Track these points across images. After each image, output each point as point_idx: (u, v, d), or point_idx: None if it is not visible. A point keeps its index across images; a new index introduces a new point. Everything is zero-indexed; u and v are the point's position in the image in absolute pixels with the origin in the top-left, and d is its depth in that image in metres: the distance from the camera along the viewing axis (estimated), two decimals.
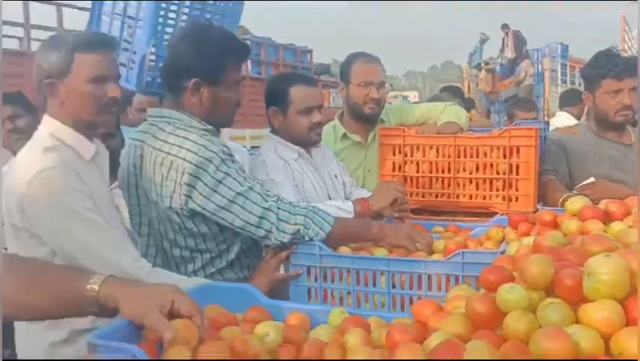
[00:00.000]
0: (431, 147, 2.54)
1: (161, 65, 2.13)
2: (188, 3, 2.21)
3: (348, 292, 1.73)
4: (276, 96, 2.23)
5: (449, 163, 2.52)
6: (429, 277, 1.66)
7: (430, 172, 2.55)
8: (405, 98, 24.28)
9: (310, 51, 11.09)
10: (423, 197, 2.56)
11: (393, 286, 1.70)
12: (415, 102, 11.12)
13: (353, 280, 1.72)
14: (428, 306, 1.17)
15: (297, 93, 2.19)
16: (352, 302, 1.71)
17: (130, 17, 2.17)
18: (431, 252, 1.85)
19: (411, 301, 1.66)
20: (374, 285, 1.71)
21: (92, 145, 1.68)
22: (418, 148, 2.55)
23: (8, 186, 1.60)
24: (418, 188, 2.56)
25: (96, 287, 1.14)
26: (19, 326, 1.69)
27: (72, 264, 1.51)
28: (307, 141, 2.25)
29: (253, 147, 4.35)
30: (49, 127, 1.64)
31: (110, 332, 1.11)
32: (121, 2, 2.17)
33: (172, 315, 1.12)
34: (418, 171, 2.56)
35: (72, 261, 1.53)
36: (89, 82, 1.60)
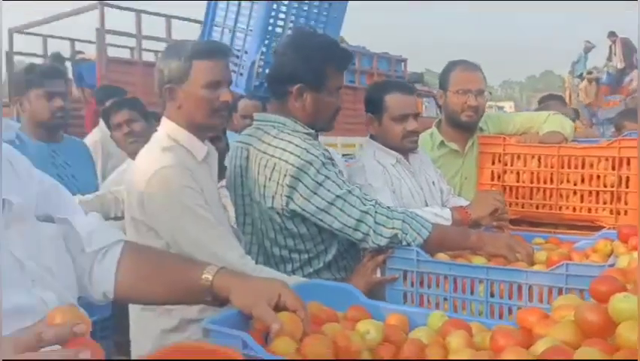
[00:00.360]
0: (533, 157, 2.48)
1: (268, 70, 2.24)
2: (294, 11, 2.31)
3: (445, 299, 1.73)
4: (372, 103, 2.27)
5: (552, 174, 2.44)
6: (530, 287, 1.62)
7: (531, 182, 2.48)
8: (500, 108, 23.58)
9: (404, 60, 11.08)
10: (522, 207, 2.50)
11: (492, 295, 1.67)
12: None
13: (450, 287, 1.71)
14: (533, 313, 1.15)
15: (392, 100, 2.22)
16: (449, 309, 1.70)
17: (240, 27, 2.31)
18: (532, 263, 1.80)
19: (510, 311, 1.63)
20: (472, 293, 1.69)
21: (203, 146, 1.78)
22: (518, 157, 2.50)
23: (130, 182, 1.74)
24: (517, 198, 2.51)
25: (210, 277, 1.22)
26: (134, 312, 1.82)
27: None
28: (402, 149, 2.26)
29: (344, 155, 4.44)
30: (166, 128, 1.77)
31: (220, 319, 1.18)
32: (233, 10, 2.31)
33: (278, 308, 1.17)
34: (518, 181, 2.51)
35: (184, 254, 1.63)
36: (204, 87, 1.70)
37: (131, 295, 1.32)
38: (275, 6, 2.28)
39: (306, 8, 2.39)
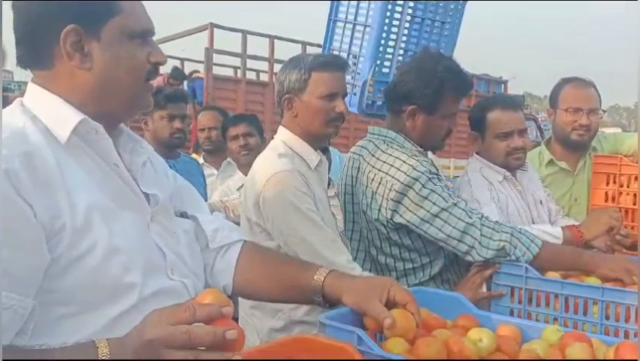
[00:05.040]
0: None
1: (381, 89, 2.31)
2: (405, 32, 2.37)
3: (555, 319, 1.67)
4: (475, 121, 2.26)
5: None
6: None
7: None
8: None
9: (505, 82, 10.84)
10: None
11: (607, 318, 1.60)
12: None
13: (561, 307, 1.66)
14: None
15: (494, 118, 2.19)
16: None
17: (352, 54, 2.42)
18: None
19: (626, 335, 1.55)
20: (584, 314, 1.63)
21: (316, 155, 1.86)
22: (636, 178, 2.38)
23: (247, 185, 1.84)
24: (633, 221, 2.39)
25: (322, 278, 1.26)
26: (244, 310, 1.91)
27: None
28: (507, 166, 2.22)
29: (455, 177, 4.43)
30: (283, 136, 1.86)
31: (335, 316, 1.22)
32: (347, 35, 2.42)
33: (388, 305, 1.19)
34: (634, 203, 2.39)
35: (294, 256, 1.69)
36: (321, 98, 1.78)
37: (247, 291, 1.39)
38: (386, 28, 2.35)
39: (417, 28, 2.43)
